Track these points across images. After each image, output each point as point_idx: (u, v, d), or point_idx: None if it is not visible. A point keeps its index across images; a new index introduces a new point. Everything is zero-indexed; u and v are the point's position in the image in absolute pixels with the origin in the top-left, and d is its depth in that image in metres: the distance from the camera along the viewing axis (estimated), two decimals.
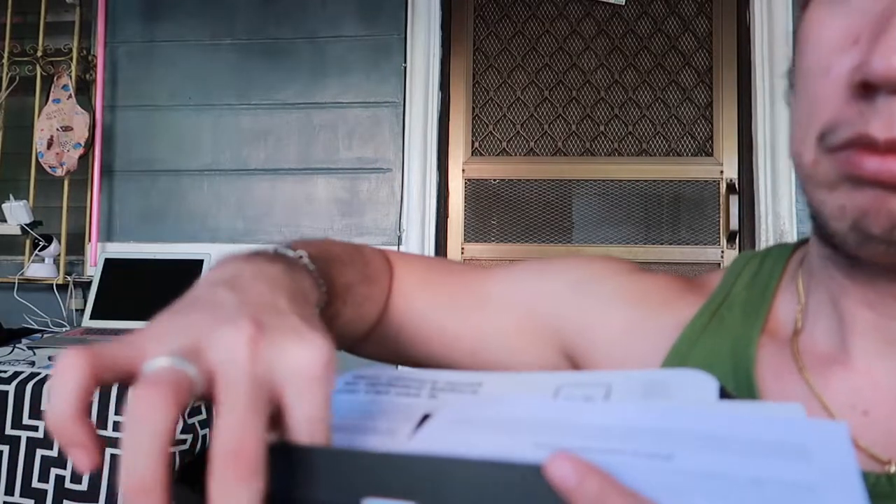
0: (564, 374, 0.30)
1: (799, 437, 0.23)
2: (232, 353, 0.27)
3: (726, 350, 0.45)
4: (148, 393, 0.25)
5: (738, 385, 0.43)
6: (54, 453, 1.51)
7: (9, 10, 2.27)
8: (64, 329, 2.04)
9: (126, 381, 0.28)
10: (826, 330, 0.43)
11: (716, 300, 0.48)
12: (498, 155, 2.26)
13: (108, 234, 2.25)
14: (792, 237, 1.98)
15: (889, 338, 0.40)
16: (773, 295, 0.47)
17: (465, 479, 0.21)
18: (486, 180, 2.25)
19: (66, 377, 0.26)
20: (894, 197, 0.33)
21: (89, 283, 2.07)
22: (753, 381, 0.42)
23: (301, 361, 0.26)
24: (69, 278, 2.17)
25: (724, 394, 0.27)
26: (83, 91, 2.25)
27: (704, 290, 0.50)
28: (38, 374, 1.57)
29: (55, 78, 2.20)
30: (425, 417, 0.28)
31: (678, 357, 0.46)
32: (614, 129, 2.21)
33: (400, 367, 0.32)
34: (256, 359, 0.26)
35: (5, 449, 1.53)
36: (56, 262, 2.19)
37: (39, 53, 2.22)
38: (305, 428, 0.26)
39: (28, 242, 2.19)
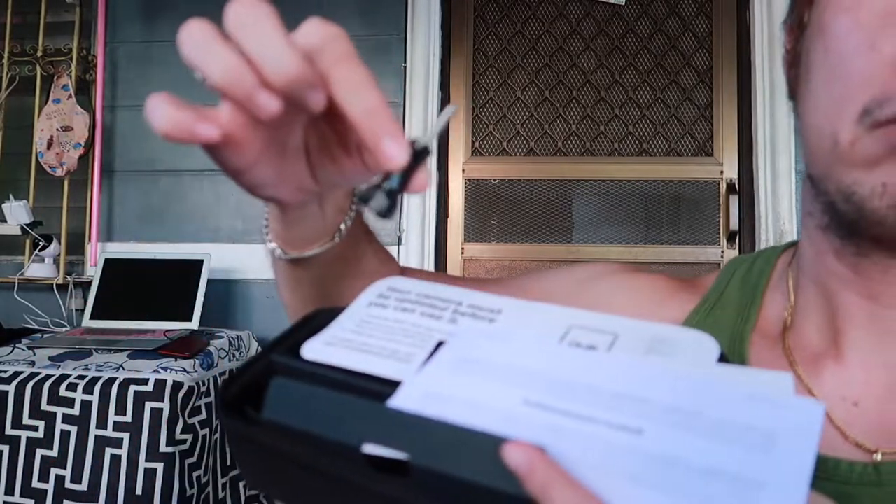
0: (578, 313, 0.31)
1: (769, 421, 0.24)
2: None
3: (721, 347, 0.46)
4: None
5: None
6: (54, 453, 1.51)
7: (9, 10, 2.27)
8: (64, 329, 2.04)
9: None
10: (817, 325, 0.44)
11: (710, 300, 0.49)
12: (498, 155, 2.26)
13: (108, 234, 2.25)
14: (792, 237, 1.98)
15: (887, 328, 0.41)
16: (762, 294, 0.48)
17: (450, 442, 0.24)
18: (486, 180, 2.25)
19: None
20: None
21: (89, 283, 2.07)
22: None
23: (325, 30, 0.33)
24: (69, 278, 2.17)
25: (723, 359, 0.28)
26: (83, 91, 2.25)
27: (699, 290, 0.51)
28: (38, 374, 1.57)
29: (55, 78, 2.20)
30: (440, 344, 0.30)
31: None
32: (614, 129, 2.21)
33: (431, 282, 0.35)
34: None
35: (5, 449, 1.53)
36: (56, 262, 2.19)
37: (39, 53, 2.22)
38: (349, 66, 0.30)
39: (28, 242, 2.19)
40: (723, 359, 0.28)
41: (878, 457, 0.38)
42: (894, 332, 0.41)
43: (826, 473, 0.38)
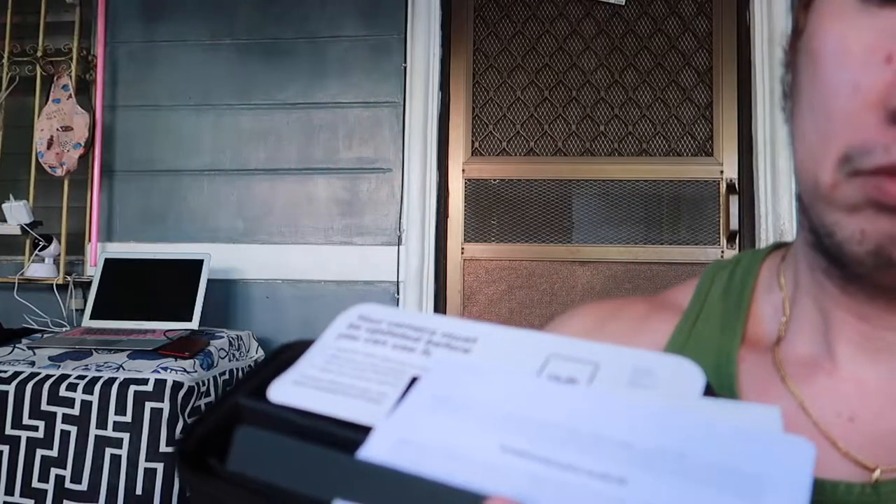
0: (556, 340, 0.30)
1: (758, 463, 0.23)
2: None
3: (708, 366, 0.44)
4: None
5: None
6: (54, 453, 1.51)
7: (9, 10, 2.27)
8: (64, 329, 2.04)
9: None
10: (811, 337, 0.42)
11: (690, 316, 0.47)
12: (498, 155, 2.26)
13: (108, 234, 2.26)
14: (792, 237, 1.97)
15: (878, 347, 0.40)
16: (748, 306, 0.46)
17: (426, 498, 0.23)
18: (486, 180, 2.25)
19: None
20: None
21: (89, 283, 2.07)
22: (736, 395, 0.42)
23: None
24: (69, 278, 2.17)
25: (708, 390, 0.27)
26: (83, 91, 2.25)
27: (675, 307, 0.49)
28: (38, 374, 1.57)
29: (55, 78, 2.20)
30: (413, 380, 0.29)
31: None
32: (614, 129, 2.21)
33: (404, 309, 0.33)
34: None
35: (5, 449, 1.53)
36: (56, 262, 2.19)
37: (39, 53, 2.22)
38: None
39: (28, 242, 2.19)
40: (708, 388, 0.27)
41: (877, 474, 0.37)
42: (887, 351, 0.39)
43: (824, 496, 0.37)
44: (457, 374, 0.28)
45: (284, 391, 0.29)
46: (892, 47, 0.32)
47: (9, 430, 1.53)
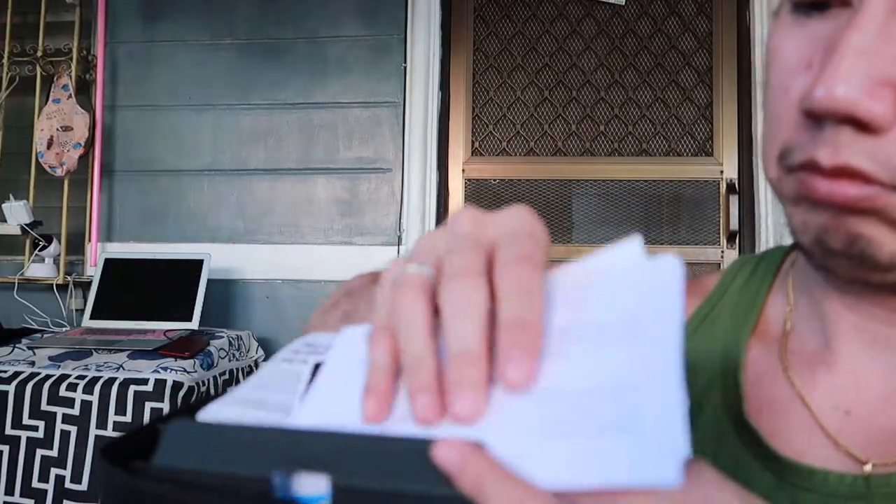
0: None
1: (629, 303, 0.24)
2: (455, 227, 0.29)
3: (717, 352, 0.45)
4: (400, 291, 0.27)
5: (725, 386, 0.44)
6: (54, 453, 1.51)
7: (9, 10, 2.27)
8: (64, 329, 2.04)
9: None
10: (813, 330, 0.43)
11: (710, 302, 0.49)
12: (498, 155, 2.26)
13: (108, 234, 2.26)
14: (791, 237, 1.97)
15: (872, 338, 0.40)
16: (764, 297, 0.47)
17: (371, 454, 0.22)
18: (486, 180, 2.25)
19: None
20: (848, 217, 0.34)
21: (89, 283, 2.07)
22: (739, 383, 0.43)
23: (515, 223, 0.28)
24: (69, 278, 2.17)
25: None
26: (83, 91, 2.25)
27: (702, 291, 0.51)
28: (38, 374, 1.57)
29: (55, 78, 2.20)
30: (317, 367, 0.29)
31: None
32: (614, 129, 2.21)
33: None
34: (476, 227, 0.28)
35: (5, 449, 1.53)
36: (56, 262, 2.19)
37: (39, 53, 2.22)
38: (513, 270, 0.25)
39: (28, 242, 2.19)
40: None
41: (869, 468, 0.37)
42: (879, 343, 0.40)
43: (814, 485, 0.38)
44: (359, 343, 0.28)
45: (213, 410, 0.29)
46: (812, 55, 0.35)
47: (9, 430, 1.53)
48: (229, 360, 1.80)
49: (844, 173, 0.33)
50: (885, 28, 0.32)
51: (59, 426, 1.51)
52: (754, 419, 0.41)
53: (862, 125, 0.32)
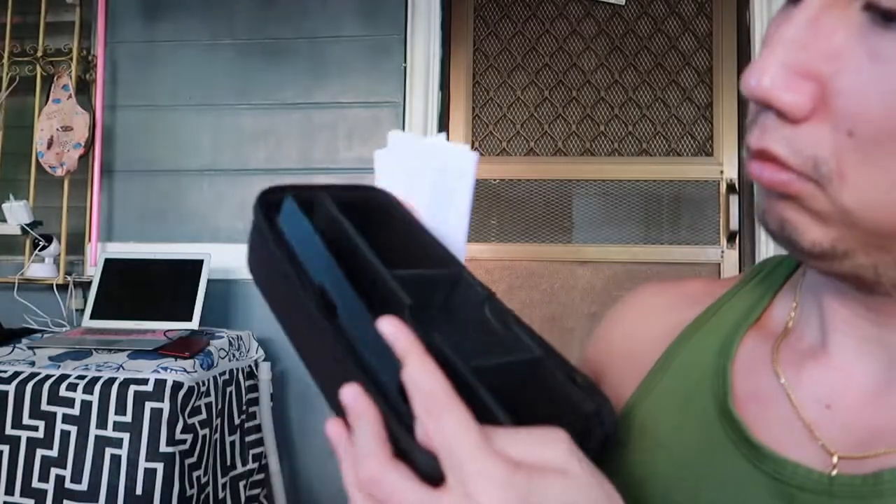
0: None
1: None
2: None
3: (715, 346, 0.46)
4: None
5: (716, 376, 0.44)
6: (54, 453, 1.51)
7: (9, 10, 2.27)
8: (64, 329, 2.04)
9: None
10: (812, 327, 0.44)
11: (725, 298, 0.49)
12: (498, 155, 2.26)
13: (108, 234, 2.25)
14: None
15: (862, 335, 0.41)
16: (773, 295, 0.48)
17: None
18: (486, 180, 2.25)
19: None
20: (776, 200, 0.36)
21: (89, 283, 2.07)
22: (728, 373, 0.44)
23: None
24: (69, 278, 2.16)
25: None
26: (83, 91, 2.25)
27: (707, 299, 0.51)
28: (38, 374, 1.57)
29: (55, 78, 2.20)
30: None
31: (670, 353, 0.48)
32: (614, 129, 2.21)
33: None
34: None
35: (5, 449, 1.53)
36: (56, 262, 2.19)
37: (39, 53, 2.22)
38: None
39: (28, 242, 2.19)
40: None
41: (835, 459, 0.38)
42: (870, 340, 0.40)
43: (784, 476, 0.38)
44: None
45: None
46: (768, 40, 0.36)
47: (9, 430, 1.53)
48: (229, 361, 1.79)
49: (765, 157, 0.35)
50: (816, 22, 0.33)
51: (59, 426, 1.51)
52: (739, 409, 0.42)
53: (780, 114, 0.34)
